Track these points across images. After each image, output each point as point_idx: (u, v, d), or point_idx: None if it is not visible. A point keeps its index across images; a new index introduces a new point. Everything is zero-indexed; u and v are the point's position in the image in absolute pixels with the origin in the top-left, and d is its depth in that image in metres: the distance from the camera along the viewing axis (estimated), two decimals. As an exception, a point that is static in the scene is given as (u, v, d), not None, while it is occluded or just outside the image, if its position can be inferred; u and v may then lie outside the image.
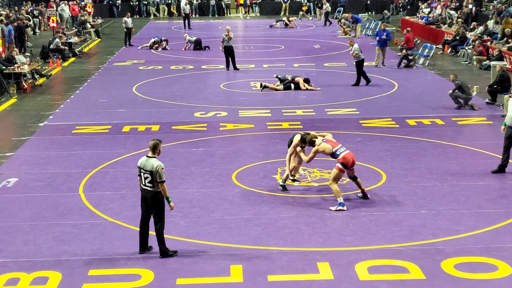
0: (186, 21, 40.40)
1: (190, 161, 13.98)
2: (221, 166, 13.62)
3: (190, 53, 30.46)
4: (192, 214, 10.98)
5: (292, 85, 21.48)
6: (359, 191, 11.59)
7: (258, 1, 49.79)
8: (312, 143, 11.46)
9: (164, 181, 9.15)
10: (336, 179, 11.16)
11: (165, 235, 9.36)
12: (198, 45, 31.38)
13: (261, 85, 21.62)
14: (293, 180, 12.42)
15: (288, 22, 41.16)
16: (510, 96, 14.94)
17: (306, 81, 21.66)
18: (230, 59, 25.46)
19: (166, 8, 48.62)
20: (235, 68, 25.47)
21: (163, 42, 32.05)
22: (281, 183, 12.07)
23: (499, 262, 9.04)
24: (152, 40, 32.22)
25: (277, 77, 22.05)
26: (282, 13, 47.35)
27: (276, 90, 21.44)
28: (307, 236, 10.07)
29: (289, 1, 48.31)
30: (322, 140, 11.45)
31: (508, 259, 9.10)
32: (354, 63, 22.27)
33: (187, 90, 21.88)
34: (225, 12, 50.09)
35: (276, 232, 10.21)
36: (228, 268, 8.97)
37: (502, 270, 8.84)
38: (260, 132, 16.48)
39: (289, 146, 12.14)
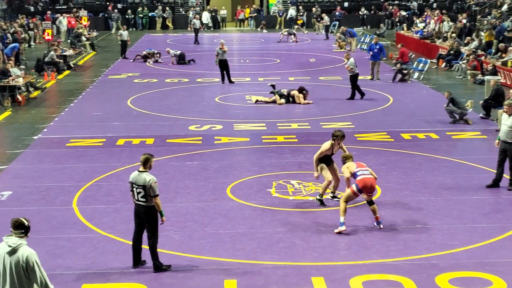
0: (196, 36, 40.34)
1: (185, 175, 13.95)
2: (216, 179, 13.60)
3: (185, 66, 30.43)
4: (186, 228, 10.95)
5: (290, 99, 21.51)
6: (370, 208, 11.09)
7: (254, 15, 49.90)
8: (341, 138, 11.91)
9: (157, 195, 9.11)
10: (347, 200, 10.89)
11: (158, 249, 9.33)
12: (181, 59, 31.24)
13: (256, 101, 21.66)
14: (333, 197, 12.27)
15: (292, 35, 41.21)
16: (504, 111, 14.95)
17: (301, 89, 21.64)
18: (225, 72, 25.49)
19: (161, 21, 48.62)
20: (230, 81, 25.50)
21: (156, 54, 32.04)
22: (318, 197, 12.02)
23: (494, 277, 9.03)
24: (145, 52, 32.24)
25: (272, 85, 22.06)
26: (278, 26, 47.43)
27: (274, 103, 21.40)
28: (302, 250, 10.05)
29: (284, 15, 48.40)
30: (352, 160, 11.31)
31: (502, 274, 9.10)
32: (349, 77, 22.33)
33: (182, 103, 21.88)
34: (220, 25, 50.18)
35: (271, 247, 10.18)
36: (222, 282, 8.93)
37: (496, 285, 8.83)
38: (255, 145, 16.48)
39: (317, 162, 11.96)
